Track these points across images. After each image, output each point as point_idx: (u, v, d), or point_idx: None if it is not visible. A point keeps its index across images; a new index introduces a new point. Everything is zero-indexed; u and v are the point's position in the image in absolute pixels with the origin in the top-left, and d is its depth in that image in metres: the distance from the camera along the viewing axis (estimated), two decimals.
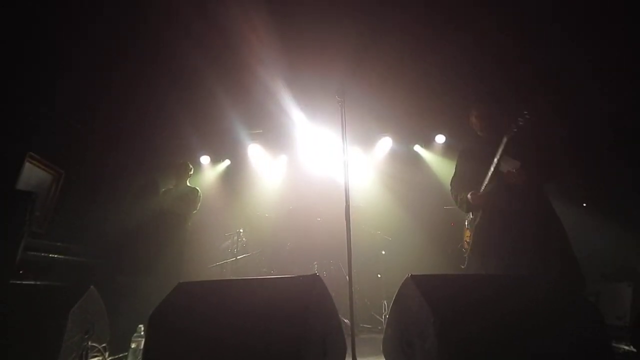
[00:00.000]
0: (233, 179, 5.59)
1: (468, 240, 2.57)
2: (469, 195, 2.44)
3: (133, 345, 2.08)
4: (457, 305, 1.31)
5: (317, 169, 5.40)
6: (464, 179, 2.58)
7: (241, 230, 4.53)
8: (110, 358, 2.05)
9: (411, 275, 1.44)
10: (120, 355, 2.11)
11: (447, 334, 1.21)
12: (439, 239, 4.05)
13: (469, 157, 2.63)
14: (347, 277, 2.27)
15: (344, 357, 1.62)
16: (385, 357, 1.69)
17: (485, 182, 2.35)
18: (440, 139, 5.27)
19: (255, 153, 5.65)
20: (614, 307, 2.90)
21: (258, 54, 3.88)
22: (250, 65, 4.04)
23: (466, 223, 2.65)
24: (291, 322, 1.42)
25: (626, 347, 1.87)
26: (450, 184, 2.72)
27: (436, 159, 5.33)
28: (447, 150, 5.19)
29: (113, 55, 3.76)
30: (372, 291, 3.93)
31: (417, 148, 5.48)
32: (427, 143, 5.40)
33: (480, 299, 1.38)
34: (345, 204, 2.48)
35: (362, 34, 3.66)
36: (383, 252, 4.19)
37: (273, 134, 5.42)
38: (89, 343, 1.91)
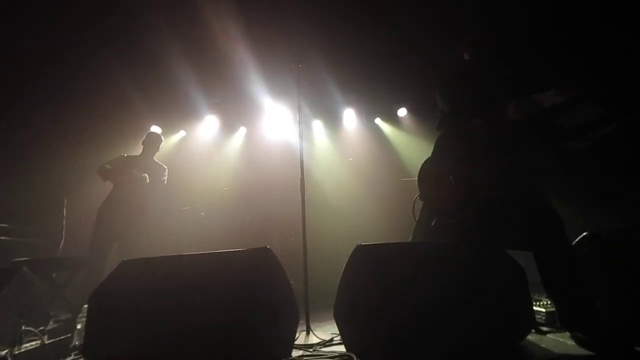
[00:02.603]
0: (189, 151, 5.32)
1: None
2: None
3: (78, 327, 1.98)
4: (400, 272, 1.38)
5: (276, 140, 5.30)
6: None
7: (198, 205, 4.39)
8: (51, 340, 1.94)
9: (359, 244, 1.48)
10: (63, 337, 2.00)
11: (390, 299, 1.28)
12: (394, 209, 4.20)
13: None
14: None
15: (297, 325, 1.66)
16: (336, 322, 1.76)
17: None
18: (402, 112, 5.35)
19: (212, 124, 5.39)
20: None
21: (216, 21, 3.62)
22: (207, 31, 3.76)
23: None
24: (240, 293, 1.42)
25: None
26: None
27: (397, 132, 5.43)
28: (409, 123, 5.30)
29: (50, 14, 3.29)
30: (328, 260, 4.03)
31: (378, 121, 5.53)
32: (389, 116, 5.46)
33: (423, 265, 1.46)
34: (300, 176, 2.47)
35: (321, 3, 3.50)
36: (338, 224, 4.28)
37: (231, 104, 5.18)
38: (24, 327, 1.78)
